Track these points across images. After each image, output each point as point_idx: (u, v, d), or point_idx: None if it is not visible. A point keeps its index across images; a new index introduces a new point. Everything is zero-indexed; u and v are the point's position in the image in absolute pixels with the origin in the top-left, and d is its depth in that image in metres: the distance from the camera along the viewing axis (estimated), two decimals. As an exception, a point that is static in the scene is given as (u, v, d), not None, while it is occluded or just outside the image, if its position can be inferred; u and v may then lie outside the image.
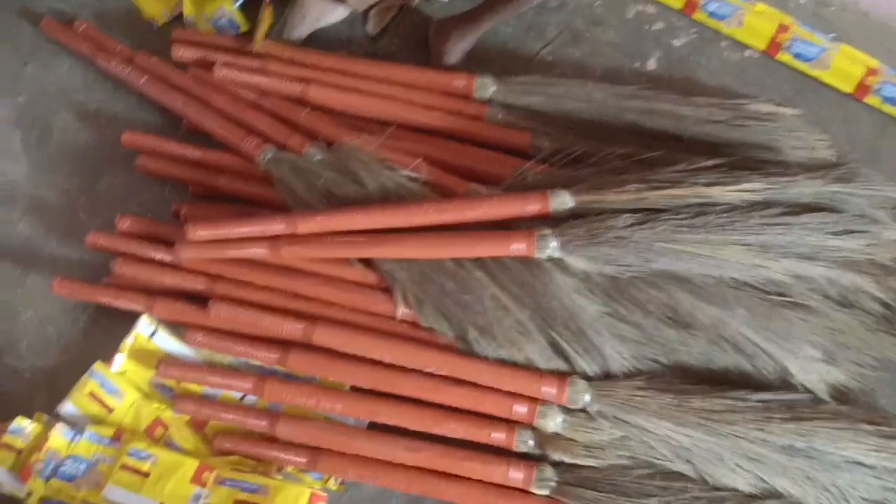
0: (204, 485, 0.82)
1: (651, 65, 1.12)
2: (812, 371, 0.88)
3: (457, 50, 1.06)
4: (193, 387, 0.89)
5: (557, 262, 0.87)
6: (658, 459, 0.85)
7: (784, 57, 1.12)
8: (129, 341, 0.89)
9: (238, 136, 0.96)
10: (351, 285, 0.90)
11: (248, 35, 1.08)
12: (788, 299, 0.89)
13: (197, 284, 0.90)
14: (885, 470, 0.84)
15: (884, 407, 0.92)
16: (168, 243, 0.92)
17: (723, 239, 0.85)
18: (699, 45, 1.13)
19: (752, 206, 0.87)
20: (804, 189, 0.89)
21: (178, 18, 1.12)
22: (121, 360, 0.89)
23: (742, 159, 0.95)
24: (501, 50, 1.11)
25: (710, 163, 0.89)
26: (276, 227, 0.88)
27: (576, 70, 1.09)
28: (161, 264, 0.92)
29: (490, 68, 1.02)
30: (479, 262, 0.88)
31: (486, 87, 1.00)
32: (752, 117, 1.01)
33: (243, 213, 0.93)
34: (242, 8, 1.08)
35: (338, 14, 1.06)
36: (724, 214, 0.86)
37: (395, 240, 0.87)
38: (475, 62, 1.07)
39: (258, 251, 0.88)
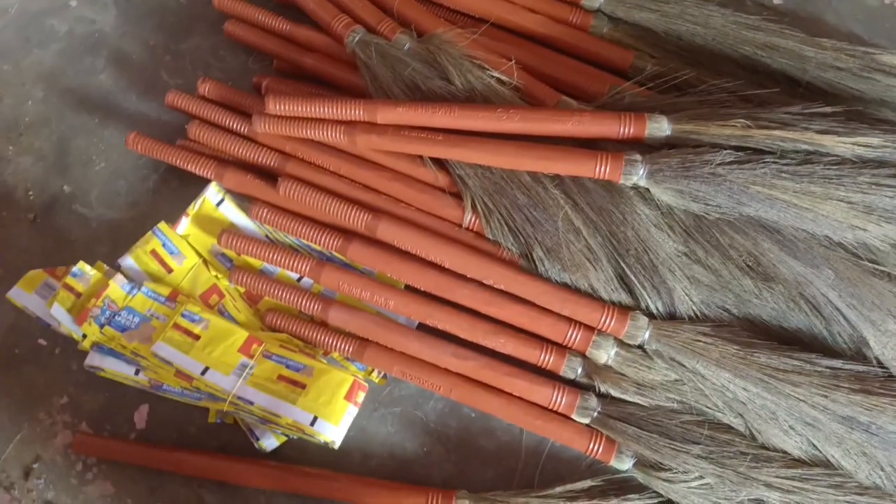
0: (251, 356, 0.83)
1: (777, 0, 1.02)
2: (890, 347, 0.82)
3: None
4: (253, 261, 0.90)
5: (642, 192, 0.83)
6: (709, 408, 0.82)
7: (929, 7, 1.01)
8: (195, 206, 0.89)
9: (330, 13, 0.92)
10: (421, 185, 0.87)
11: None
12: (881, 268, 0.83)
13: (269, 160, 0.89)
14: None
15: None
16: (246, 115, 0.91)
17: (826, 193, 0.78)
18: (835, -18, 1.03)
19: (864, 163, 0.80)
20: (925, 153, 0.82)
21: None
22: (185, 223, 0.89)
23: (858, 112, 0.87)
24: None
25: (827, 109, 0.82)
26: (356, 112, 0.85)
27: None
28: (236, 134, 0.91)
29: None
30: (557, 179, 0.84)
31: (603, 24, 0.94)
32: (880, 69, 0.92)
33: (324, 94, 0.91)
34: None
35: None
36: (833, 167, 0.79)
37: (473, 143, 0.83)
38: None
39: (334, 135, 0.86)
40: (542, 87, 0.88)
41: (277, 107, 0.86)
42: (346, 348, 0.85)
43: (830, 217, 0.79)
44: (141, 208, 0.96)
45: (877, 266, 0.83)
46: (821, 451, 0.80)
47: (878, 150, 0.80)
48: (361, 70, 0.89)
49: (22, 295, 0.86)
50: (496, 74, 0.87)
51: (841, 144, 0.79)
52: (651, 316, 0.83)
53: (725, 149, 0.80)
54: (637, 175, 0.81)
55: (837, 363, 0.81)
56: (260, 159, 0.89)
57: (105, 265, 0.88)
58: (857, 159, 0.80)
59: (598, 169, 0.81)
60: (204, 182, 0.90)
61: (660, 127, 0.82)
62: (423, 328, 0.86)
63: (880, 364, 0.82)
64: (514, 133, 0.84)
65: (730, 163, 0.79)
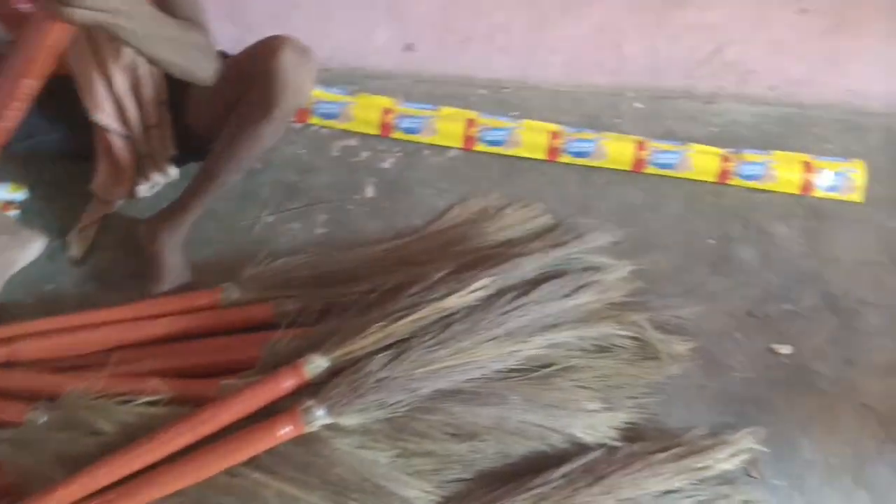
0: None
1: (370, 192, 1.16)
2: (598, 425, 0.92)
3: (172, 243, 1.02)
4: None
5: (331, 427, 0.85)
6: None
7: (480, 147, 1.23)
8: None
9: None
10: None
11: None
12: (553, 367, 0.94)
13: None
14: (692, 487, 0.90)
15: (673, 426, 0.98)
16: None
17: (473, 342, 0.88)
18: (406, 161, 1.20)
19: (488, 300, 0.92)
20: (527, 267, 0.96)
21: None
22: None
23: (473, 258, 1.00)
24: (220, 225, 1.10)
25: (438, 275, 0.93)
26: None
27: (301, 220, 1.10)
28: None
29: (214, 247, 1.00)
30: (252, 462, 0.83)
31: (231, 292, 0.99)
32: (469, 218, 1.08)
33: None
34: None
35: (30, 254, 0.99)
36: (466, 319, 0.89)
37: (151, 479, 0.79)
38: (197, 245, 1.05)
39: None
40: (195, 383, 0.88)
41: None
42: None
43: (487, 357, 0.88)
44: None
45: (549, 367, 0.94)
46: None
47: (492, 286, 0.93)
48: (2, 471, 0.82)
49: None
50: (144, 399, 0.85)
51: (462, 298, 0.90)
52: (403, 530, 0.84)
53: (378, 353, 0.86)
54: (318, 417, 0.83)
55: (567, 468, 0.88)
56: None
57: None
58: (480, 301, 0.92)
59: (280, 433, 0.82)
60: None
61: (317, 365, 0.86)
62: None
63: (599, 444, 0.92)
64: (191, 444, 0.82)
65: (386, 364, 0.85)
